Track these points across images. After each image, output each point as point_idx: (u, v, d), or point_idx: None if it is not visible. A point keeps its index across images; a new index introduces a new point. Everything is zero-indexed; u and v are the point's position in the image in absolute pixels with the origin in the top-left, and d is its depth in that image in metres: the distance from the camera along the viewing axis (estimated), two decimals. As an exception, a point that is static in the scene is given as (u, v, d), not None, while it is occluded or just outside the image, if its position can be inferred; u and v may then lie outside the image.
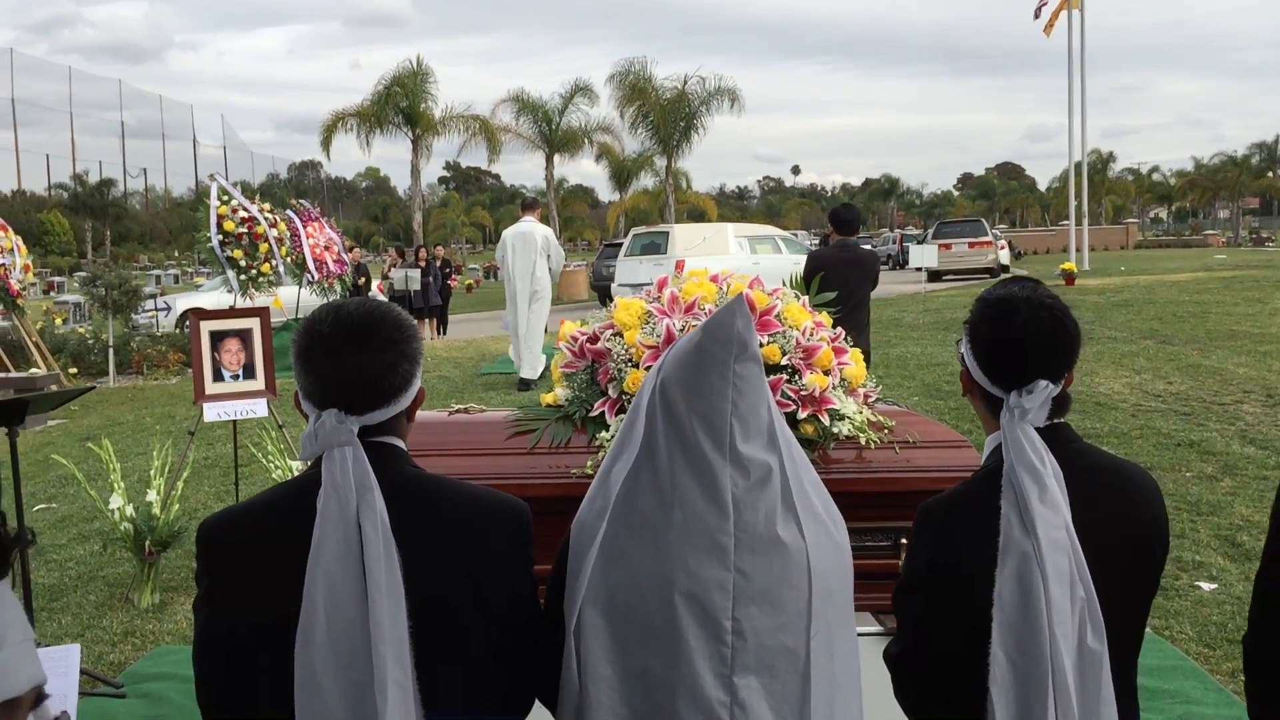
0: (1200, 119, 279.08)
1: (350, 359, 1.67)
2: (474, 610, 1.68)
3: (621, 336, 3.13)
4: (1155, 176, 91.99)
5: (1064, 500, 1.81)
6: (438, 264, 20.71)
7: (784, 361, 3.03)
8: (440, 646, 1.64)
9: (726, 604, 1.57)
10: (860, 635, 2.86)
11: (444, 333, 20.37)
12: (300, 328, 1.72)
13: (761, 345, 3.01)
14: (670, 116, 33.85)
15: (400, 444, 1.77)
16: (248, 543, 1.69)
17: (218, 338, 5.58)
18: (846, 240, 7.91)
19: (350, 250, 16.60)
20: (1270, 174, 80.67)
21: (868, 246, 8.87)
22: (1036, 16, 29.36)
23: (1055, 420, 1.93)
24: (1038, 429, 1.86)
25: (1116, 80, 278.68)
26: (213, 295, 20.12)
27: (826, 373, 3.07)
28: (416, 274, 19.92)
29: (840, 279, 6.46)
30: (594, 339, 3.19)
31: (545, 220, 12.56)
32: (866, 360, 8.64)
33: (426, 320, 20.26)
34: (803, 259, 23.51)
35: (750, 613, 1.58)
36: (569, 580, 1.67)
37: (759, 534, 1.59)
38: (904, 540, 2.92)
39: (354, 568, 1.58)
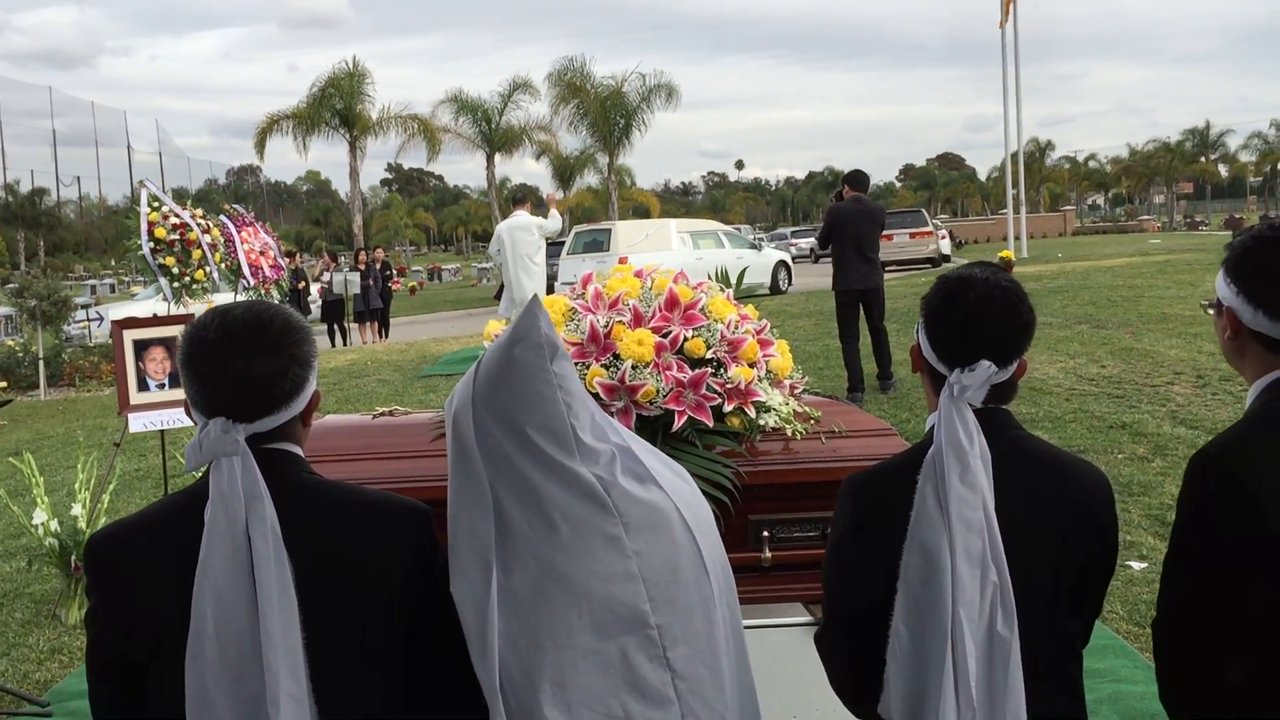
0: (1135, 106, 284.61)
1: (236, 365, 1.62)
2: (374, 616, 1.65)
3: (545, 334, 3.10)
4: (1092, 164, 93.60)
5: (988, 483, 1.79)
6: (378, 267, 20.51)
7: (709, 355, 3.01)
8: (339, 657, 1.60)
9: (639, 588, 1.57)
10: (792, 625, 2.89)
11: (386, 335, 20.18)
12: (185, 334, 1.67)
13: (686, 340, 3.00)
14: (609, 114, 33.83)
15: (296, 450, 1.72)
16: (135, 556, 1.64)
17: (142, 346, 5.47)
18: (861, 196, 9.49)
19: (288, 255, 16.37)
20: (1202, 159, 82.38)
21: (879, 203, 10.64)
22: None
23: (995, 405, 1.92)
24: (977, 411, 1.85)
25: (1054, 69, 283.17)
26: (148, 304, 19.74)
27: (752, 365, 3.06)
28: (356, 277, 19.73)
29: (858, 229, 9.15)
30: (517, 337, 3.16)
31: (539, 210, 13.22)
32: (878, 294, 9.37)
33: (368, 324, 20.07)
34: (745, 252, 23.74)
35: (660, 587, 1.59)
36: (472, 646, 1.60)
37: (635, 511, 1.60)
38: (829, 530, 2.93)
39: (243, 579, 1.54)
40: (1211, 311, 2.03)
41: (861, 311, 9.33)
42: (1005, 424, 1.93)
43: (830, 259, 9.68)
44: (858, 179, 9.62)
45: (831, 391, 8.42)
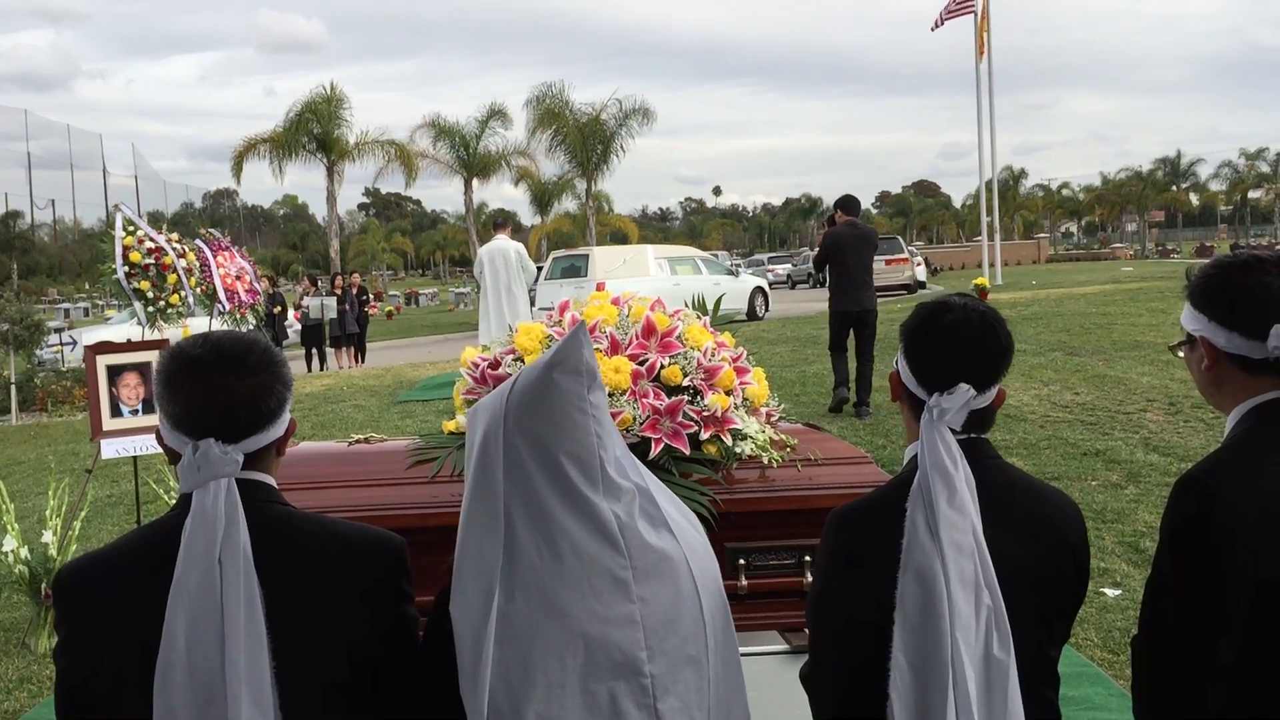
0: (1107, 135, 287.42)
1: (223, 379, 1.64)
2: (344, 649, 1.64)
3: (523, 361, 3.10)
4: (1065, 192, 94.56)
5: (974, 507, 1.79)
6: (354, 291, 20.45)
7: (685, 383, 3.02)
8: (308, 688, 1.59)
9: (638, 635, 1.55)
10: (768, 654, 2.89)
11: (362, 360, 20.11)
12: (167, 354, 1.67)
13: (663, 367, 3.01)
14: (588, 139, 33.93)
15: (270, 481, 1.72)
16: (105, 588, 1.63)
17: (115, 372, 5.43)
18: (855, 220, 9.85)
19: (263, 280, 16.30)
20: (1174, 188, 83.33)
21: (870, 226, 10.95)
22: (934, 28, 29.97)
23: (974, 434, 1.93)
24: (957, 440, 1.85)
25: (1027, 98, 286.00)
26: (121, 328, 19.60)
27: (728, 393, 3.06)
28: (333, 302, 19.66)
29: (855, 252, 9.50)
30: (495, 364, 3.16)
31: (515, 235, 13.35)
32: (871, 315, 9.56)
33: (344, 348, 19.99)
34: (722, 278, 23.88)
35: (659, 636, 1.57)
36: (464, 669, 1.59)
37: (647, 557, 1.58)
38: (807, 558, 2.93)
39: (216, 603, 1.54)
40: (1182, 354, 2.06)
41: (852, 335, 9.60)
42: (984, 452, 1.94)
43: (827, 282, 10.05)
44: (850, 204, 9.97)
45: (808, 418, 8.47)
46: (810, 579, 2.89)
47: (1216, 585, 1.76)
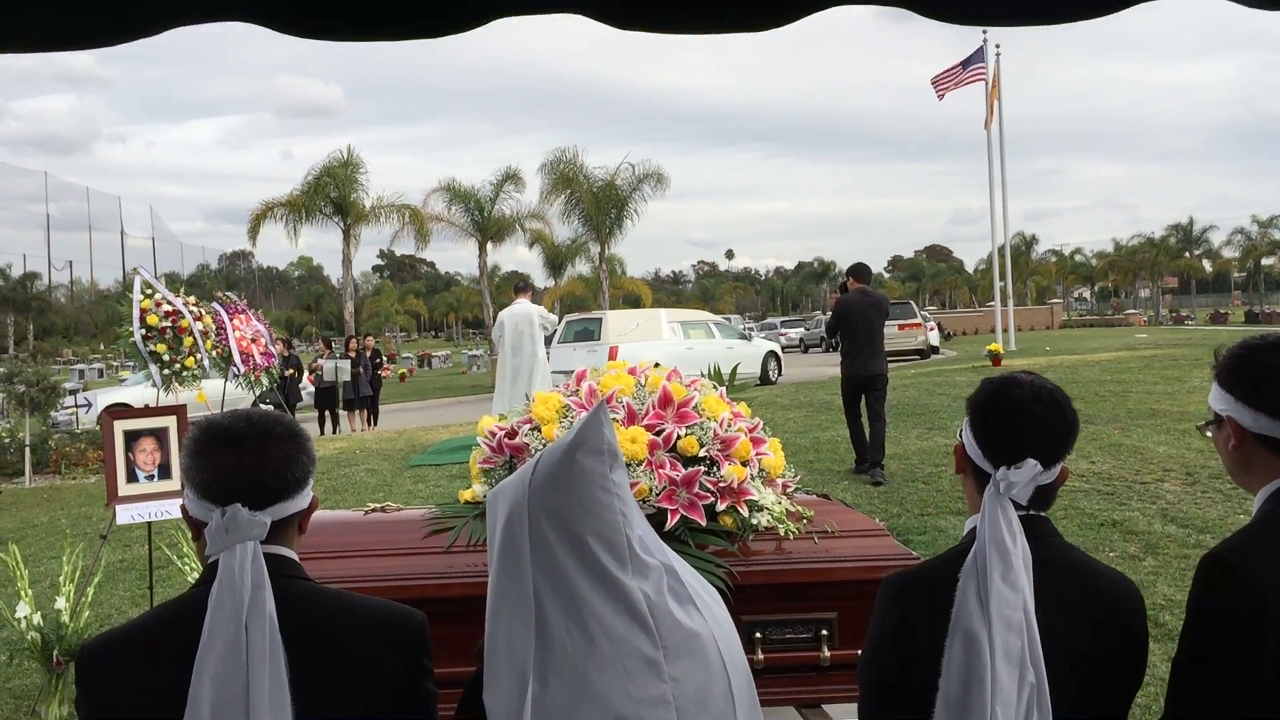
0: (1119, 202, 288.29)
1: (253, 446, 1.68)
2: None
3: (540, 431, 3.12)
4: (1078, 258, 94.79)
5: (1029, 584, 1.81)
6: (368, 354, 20.55)
7: (702, 453, 3.02)
8: None
9: (670, 715, 1.54)
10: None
11: (375, 423, 20.13)
12: (197, 427, 1.72)
13: (679, 438, 3.02)
14: (602, 204, 34.23)
15: (293, 555, 1.74)
16: (128, 665, 1.63)
17: (132, 437, 5.45)
18: (866, 288, 10.12)
19: (278, 342, 16.40)
20: (1187, 254, 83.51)
21: (881, 291, 11.35)
22: (939, 94, 30.23)
23: (1036, 512, 1.95)
24: (1019, 516, 1.87)
25: (1038, 164, 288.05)
26: (136, 390, 19.74)
27: (745, 464, 3.07)
28: (346, 365, 19.73)
29: (865, 319, 9.74)
30: (512, 434, 3.17)
31: (536, 299, 13.58)
32: (881, 379, 9.84)
33: (357, 411, 20.03)
34: (735, 342, 23.92)
35: (691, 715, 1.56)
36: None
37: (676, 635, 1.57)
38: (824, 632, 2.91)
39: (241, 667, 1.55)
40: (1209, 433, 2.07)
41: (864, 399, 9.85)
42: (1045, 530, 1.96)
43: (839, 347, 10.30)
44: (861, 271, 10.24)
45: (823, 485, 8.43)
46: (824, 651, 2.88)
47: (1244, 667, 1.75)
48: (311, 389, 20.94)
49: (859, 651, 2.92)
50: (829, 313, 10.82)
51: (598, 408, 1.62)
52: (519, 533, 1.59)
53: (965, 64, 29.77)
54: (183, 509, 1.73)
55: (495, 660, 1.60)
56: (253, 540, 1.63)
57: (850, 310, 9.84)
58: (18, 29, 1.76)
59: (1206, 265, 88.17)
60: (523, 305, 12.83)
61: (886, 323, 10.18)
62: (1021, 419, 1.94)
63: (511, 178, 36.02)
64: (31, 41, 1.81)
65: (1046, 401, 1.95)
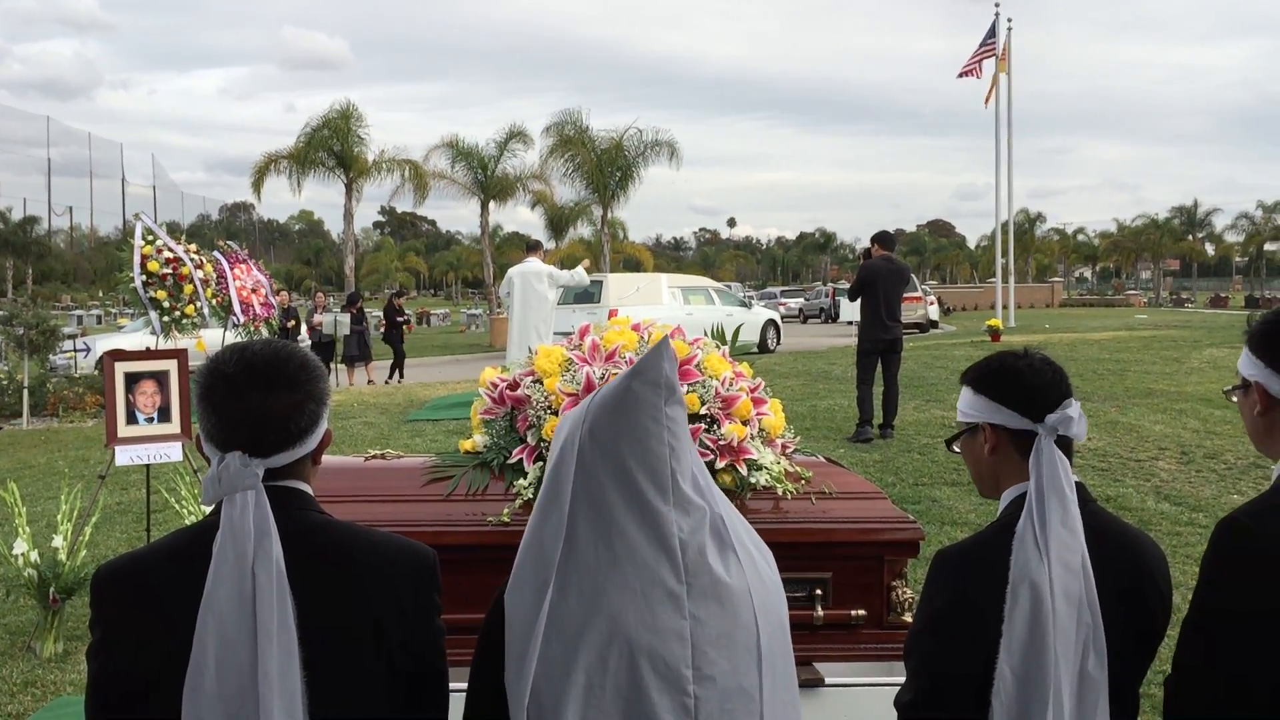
0: (1123, 182, 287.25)
1: (255, 399, 1.65)
2: (376, 659, 1.65)
3: (541, 384, 3.12)
4: (1080, 237, 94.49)
5: (1082, 532, 1.88)
6: (396, 309, 20.63)
7: (703, 411, 3.03)
8: (338, 696, 1.60)
9: (686, 653, 1.53)
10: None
11: (401, 378, 19.97)
12: (204, 368, 1.69)
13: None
14: (606, 167, 34.10)
15: (305, 488, 1.74)
16: (142, 589, 1.64)
17: (133, 379, 5.46)
18: (890, 255, 10.29)
19: (279, 293, 16.36)
20: (1190, 237, 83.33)
21: (904, 261, 11.43)
22: (961, 76, 30.12)
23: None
24: None
25: (1043, 143, 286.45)
26: (135, 336, 19.67)
27: (745, 423, 3.07)
28: (347, 319, 19.69)
29: (889, 284, 10.06)
30: (514, 385, 3.17)
31: (543, 257, 13.46)
32: (898, 345, 10.09)
33: (357, 366, 19.99)
34: (735, 310, 23.89)
35: (709, 658, 1.54)
36: (511, 660, 1.59)
37: (706, 578, 1.56)
38: (819, 591, 2.93)
39: (248, 615, 1.55)
40: (1235, 398, 2.10)
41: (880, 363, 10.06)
42: (1085, 497, 2.01)
43: (859, 312, 10.47)
44: (886, 238, 10.45)
45: (820, 452, 8.44)
46: (818, 610, 2.90)
47: (1256, 623, 1.78)
48: (309, 341, 20.91)
49: (852, 612, 2.96)
50: (836, 282, 11.01)
51: (662, 342, 1.61)
52: (569, 451, 1.60)
53: (981, 43, 29.64)
54: (198, 443, 1.73)
55: (523, 563, 1.60)
56: (250, 490, 1.61)
57: (875, 275, 9.97)
58: None
59: (1209, 249, 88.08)
60: (533, 263, 12.86)
61: None
62: (1044, 372, 2.05)
63: (517, 135, 35.84)
64: None
65: (1049, 360, 2.08)
